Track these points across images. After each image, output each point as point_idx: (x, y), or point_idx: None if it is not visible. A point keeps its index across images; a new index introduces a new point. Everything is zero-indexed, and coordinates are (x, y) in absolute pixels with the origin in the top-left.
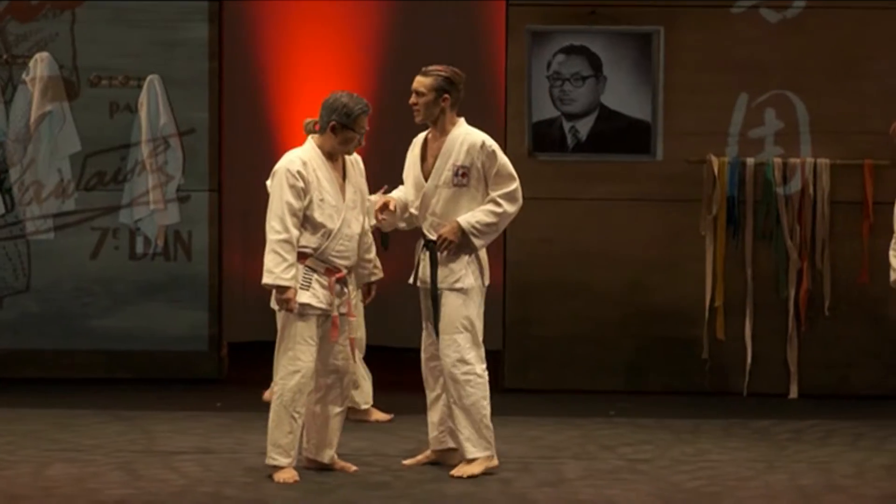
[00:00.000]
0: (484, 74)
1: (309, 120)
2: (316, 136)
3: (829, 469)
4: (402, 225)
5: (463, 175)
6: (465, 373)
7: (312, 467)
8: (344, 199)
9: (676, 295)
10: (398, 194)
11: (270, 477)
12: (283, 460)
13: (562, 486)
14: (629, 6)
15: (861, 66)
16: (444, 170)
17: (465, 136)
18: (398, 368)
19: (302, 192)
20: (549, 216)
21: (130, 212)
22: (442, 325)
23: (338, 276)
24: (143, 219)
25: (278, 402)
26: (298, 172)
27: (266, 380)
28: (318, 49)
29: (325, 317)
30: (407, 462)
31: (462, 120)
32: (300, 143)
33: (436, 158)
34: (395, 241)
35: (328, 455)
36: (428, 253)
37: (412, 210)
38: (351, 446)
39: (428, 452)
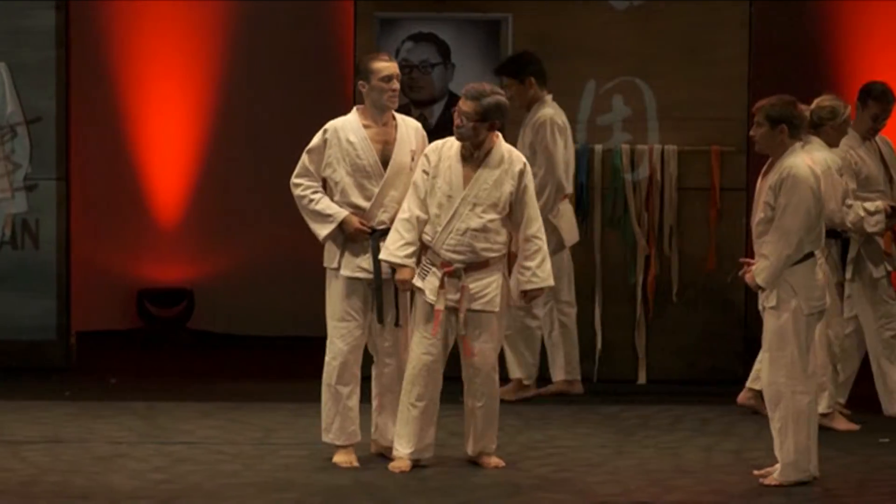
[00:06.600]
0: (333, 62)
1: None
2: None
3: (677, 454)
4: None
5: (413, 159)
6: None
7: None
8: (464, 189)
9: None
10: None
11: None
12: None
13: (411, 473)
14: None
15: (708, 53)
16: (401, 155)
17: (406, 119)
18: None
19: (426, 175)
20: None
21: None
22: (406, 316)
23: (447, 269)
24: None
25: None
26: (426, 156)
27: (111, 368)
28: (168, 37)
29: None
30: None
31: None
32: (150, 129)
33: (387, 144)
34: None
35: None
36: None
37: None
38: (199, 434)
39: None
